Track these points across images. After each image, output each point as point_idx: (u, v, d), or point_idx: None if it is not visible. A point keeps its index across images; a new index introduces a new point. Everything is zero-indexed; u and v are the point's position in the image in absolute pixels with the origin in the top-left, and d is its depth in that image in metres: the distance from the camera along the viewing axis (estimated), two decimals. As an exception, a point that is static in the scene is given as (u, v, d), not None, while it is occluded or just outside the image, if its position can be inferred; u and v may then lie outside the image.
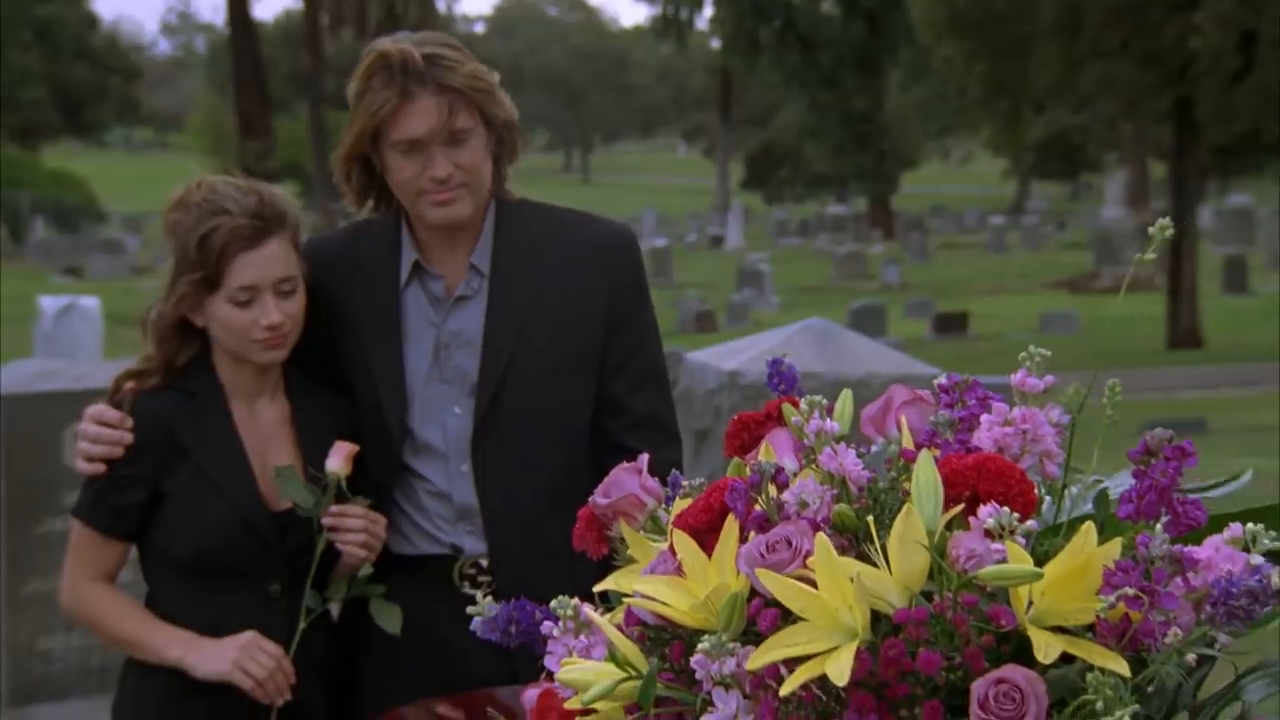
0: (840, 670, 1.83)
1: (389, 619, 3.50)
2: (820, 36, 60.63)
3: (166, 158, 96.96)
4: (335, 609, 3.58)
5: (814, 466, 2.10)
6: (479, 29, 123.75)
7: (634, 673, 2.03)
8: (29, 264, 60.65)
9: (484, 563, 3.57)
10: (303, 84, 65.62)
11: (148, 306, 3.53)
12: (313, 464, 3.49)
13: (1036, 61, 29.50)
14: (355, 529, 3.48)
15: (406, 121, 3.42)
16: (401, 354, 3.58)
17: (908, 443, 2.20)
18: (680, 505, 2.23)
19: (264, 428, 3.54)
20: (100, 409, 3.47)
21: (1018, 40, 29.50)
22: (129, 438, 3.43)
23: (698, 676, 1.94)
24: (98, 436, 3.44)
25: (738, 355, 7.51)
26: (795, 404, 2.23)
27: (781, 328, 7.94)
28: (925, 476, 1.97)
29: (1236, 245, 43.69)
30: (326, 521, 3.46)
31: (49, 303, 11.25)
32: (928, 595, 1.90)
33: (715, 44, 73.92)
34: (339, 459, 3.45)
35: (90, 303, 11.14)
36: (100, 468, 3.44)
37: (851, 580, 1.88)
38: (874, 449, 2.24)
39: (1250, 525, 1.93)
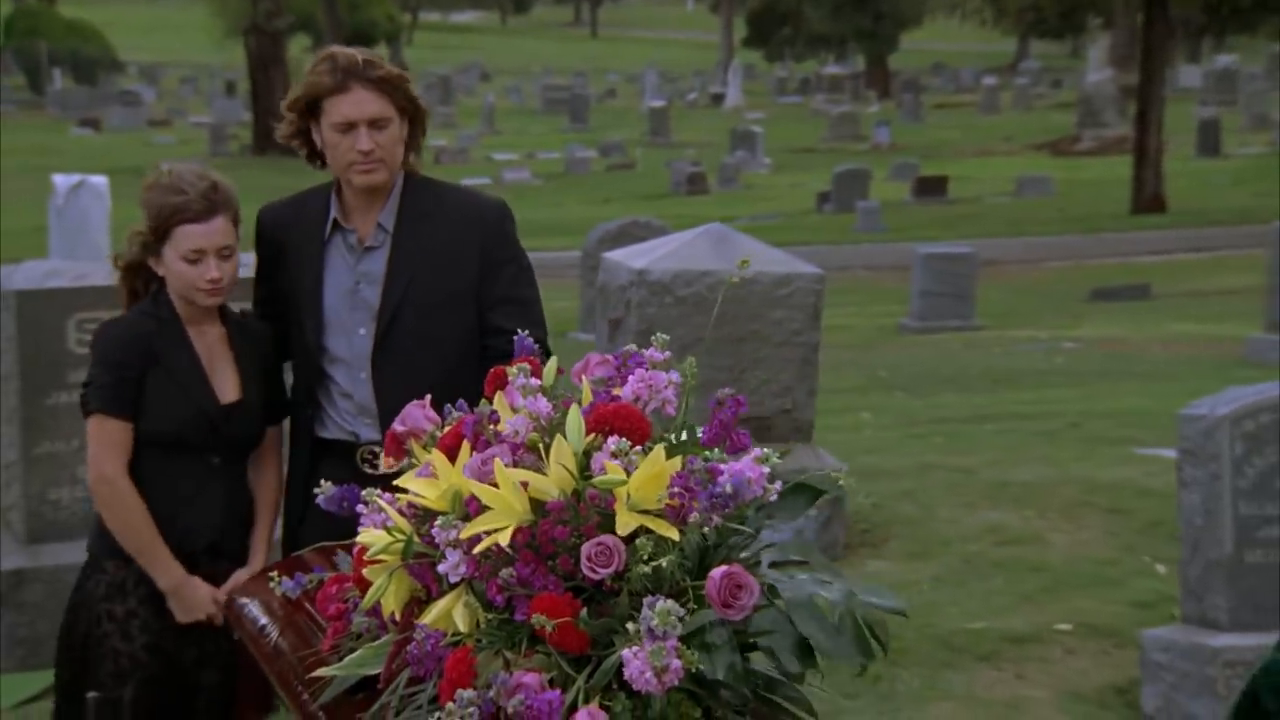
0: (506, 537, 3.10)
1: None
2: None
3: (182, 6, 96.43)
4: None
5: (523, 408, 3.36)
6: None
7: (401, 537, 3.29)
8: (48, 114, 61.24)
9: (377, 449, 4.70)
10: (313, -63, 65.89)
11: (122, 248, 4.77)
12: (242, 370, 4.72)
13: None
14: None
15: (344, 106, 4.59)
16: (323, 288, 4.76)
17: (588, 394, 3.43)
18: (446, 430, 3.50)
19: (209, 344, 4.75)
20: None
21: None
22: None
23: (437, 541, 3.18)
24: None
25: (646, 255, 8.66)
26: (526, 364, 3.48)
27: (687, 230, 9.09)
28: (572, 419, 3.24)
29: (1219, 107, 44.02)
30: None
31: (61, 180, 12.49)
32: (577, 493, 3.17)
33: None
34: None
35: (99, 180, 12.35)
36: None
37: (518, 485, 3.15)
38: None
39: (766, 449, 3.19)
